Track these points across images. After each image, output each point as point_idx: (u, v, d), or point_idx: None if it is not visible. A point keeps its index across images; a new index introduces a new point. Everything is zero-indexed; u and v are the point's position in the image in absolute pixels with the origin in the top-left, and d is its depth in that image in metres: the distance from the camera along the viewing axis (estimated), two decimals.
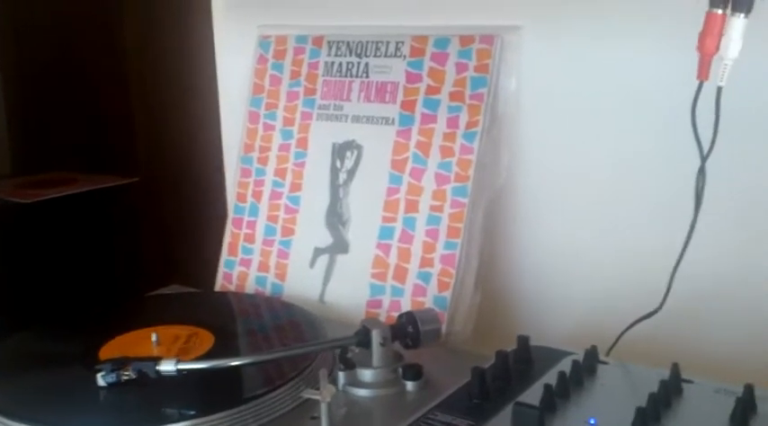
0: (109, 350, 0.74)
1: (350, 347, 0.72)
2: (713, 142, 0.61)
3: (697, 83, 0.60)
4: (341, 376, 0.69)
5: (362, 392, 0.68)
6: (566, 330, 0.80)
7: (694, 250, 0.65)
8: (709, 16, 0.59)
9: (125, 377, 0.66)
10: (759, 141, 0.70)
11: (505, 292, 0.86)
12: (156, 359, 0.66)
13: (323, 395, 0.61)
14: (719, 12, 0.59)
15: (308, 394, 0.62)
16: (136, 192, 1.77)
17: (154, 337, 0.76)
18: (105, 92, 1.85)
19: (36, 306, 1.49)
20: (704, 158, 0.61)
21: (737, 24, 0.58)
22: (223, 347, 0.75)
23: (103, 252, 1.75)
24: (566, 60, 0.80)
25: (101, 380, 0.66)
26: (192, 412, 0.63)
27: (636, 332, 0.71)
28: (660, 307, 0.68)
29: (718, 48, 0.59)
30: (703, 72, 0.59)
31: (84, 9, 1.81)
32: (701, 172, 0.61)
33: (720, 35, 0.59)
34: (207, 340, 0.77)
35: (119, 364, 0.67)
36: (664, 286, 0.69)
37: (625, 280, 0.78)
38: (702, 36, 0.59)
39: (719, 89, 0.60)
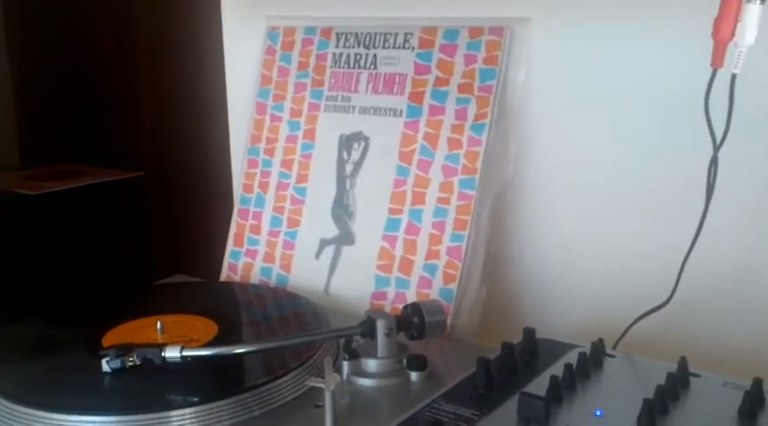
0: (113, 337, 0.74)
1: (354, 338, 0.71)
2: (726, 131, 0.60)
3: (710, 71, 0.59)
4: (345, 365, 0.69)
5: (366, 382, 0.68)
6: (572, 324, 0.79)
7: (705, 242, 0.65)
8: (724, 2, 0.58)
9: (130, 364, 0.66)
10: None
11: (512, 285, 0.86)
12: (161, 346, 0.66)
13: (327, 384, 0.60)
14: None
15: (313, 382, 0.62)
16: (142, 185, 1.77)
17: (159, 325, 0.76)
18: (114, 85, 1.85)
19: (42, 297, 1.50)
20: (717, 148, 0.60)
21: (753, 11, 0.57)
22: (227, 336, 0.75)
23: (110, 245, 1.75)
24: (575, 52, 0.80)
25: (105, 366, 0.66)
26: (196, 399, 0.63)
27: (643, 326, 0.70)
28: (668, 301, 0.68)
29: (733, 35, 0.58)
30: (717, 59, 0.58)
31: (95, 1, 1.81)
32: (714, 162, 0.61)
33: (736, 21, 0.58)
34: (211, 329, 0.76)
35: (124, 350, 0.67)
36: (672, 279, 0.68)
37: (633, 274, 0.77)
38: (717, 22, 0.58)
39: (734, 76, 0.59)
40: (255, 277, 0.96)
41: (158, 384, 0.66)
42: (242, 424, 0.62)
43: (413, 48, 0.88)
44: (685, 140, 0.64)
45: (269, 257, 0.95)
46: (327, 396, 0.60)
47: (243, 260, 0.98)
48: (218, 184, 1.20)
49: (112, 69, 1.83)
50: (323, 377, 0.61)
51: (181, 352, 0.66)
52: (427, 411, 0.58)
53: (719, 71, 0.60)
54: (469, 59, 0.83)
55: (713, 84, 0.59)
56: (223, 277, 0.99)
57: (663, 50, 0.74)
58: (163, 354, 0.66)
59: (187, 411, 0.62)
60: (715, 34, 0.58)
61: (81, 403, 0.63)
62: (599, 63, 0.79)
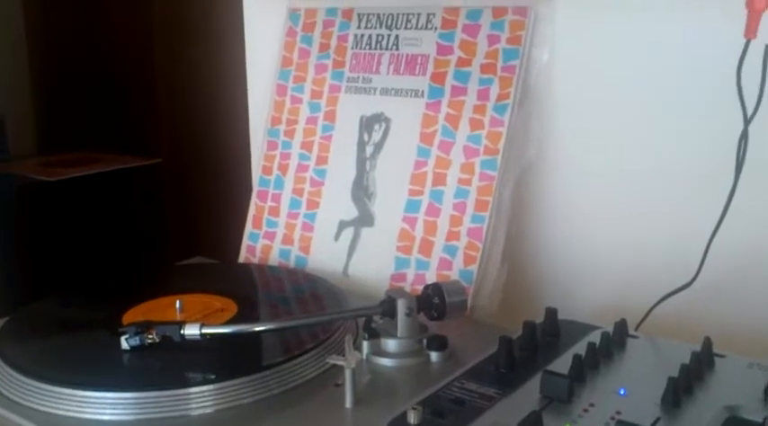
0: (132, 316, 0.74)
1: (374, 318, 0.71)
2: (758, 104, 0.59)
3: (740, 45, 0.58)
4: (365, 345, 0.68)
5: (386, 361, 0.67)
6: (593, 306, 0.78)
7: (731, 221, 0.63)
8: None
9: (149, 341, 0.66)
10: None
11: (533, 267, 0.85)
12: (181, 323, 0.66)
13: (348, 361, 0.60)
14: None
15: (333, 360, 0.62)
16: (159, 171, 1.78)
17: (178, 304, 0.76)
18: (131, 72, 1.86)
19: (61, 280, 1.51)
20: (748, 121, 0.59)
21: None
22: (246, 315, 0.75)
23: (127, 231, 1.75)
24: (600, 31, 0.79)
25: (125, 343, 0.66)
26: (215, 376, 0.62)
27: (666, 309, 0.69)
28: (693, 280, 0.67)
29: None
30: (751, 30, 0.57)
31: None
32: (744, 136, 0.60)
33: None
34: (230, 308, 0.76)
35: (143, 327, 0.67)
36: (695, 261, 0.67)
37: (656, 256, 0.76)
38: None
39: None
40: (274, 259, 0.96)
41: (177, 361, 0.65)
42: (261, 402, 0.62)
43: (435, 28, 0.87)
44: (716, 118, 0.63)
45: (288, 239, 0.95)
46: (348, 374, 0.60)
47: (261, 242, 0.97)
48: (235, 169, 1.19)
49: (129, 56, 1.83)
50: (343, 356, 0.61)
51: (200, 330, 0.66)
52: (449, 389, 0.58)
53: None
54: (493, 39, 0.82)
55: (746, 55, 0.58)
56: (242, 259, 0.99)
57: (690, 28, 0.73)
58: (182, 331, 0.66)
59: (206, 388, 0.61)
60: (749, 3, 0.57)
61: (100, 380, 0.63)
62: (624, 43, 0.77)
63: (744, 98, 0.59)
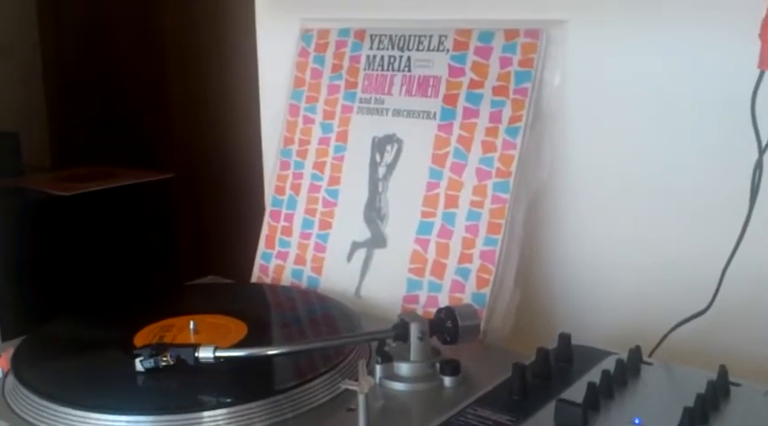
0: (145, 336, 0.74)
1: (387, 341, 0.71)
2: None
3: (756, 73, 0.58)
4: (378, 369, 0.68)
5: (399, 386, 0.67)
6: (606, 331, 0.78)
7: (746, 248, 0.63)
8: None
9: (163, 363, 0.66)
10: None
11: (546, 290, 0.85)
12: (195, 346, 0.66)
13: (361, 386, 0.60)
14: None
15: (347, 384, 0.61)
16: (173, 187, 1.78)
17: (192, 325, 0.76)
18: (144, 88, 1.87)
19: (74, 297, 1.51)
20: (762, 150, 0.59)
21: None
22: (258, 337, 0.75)
23: (141, 246, 1.76)
24: (612, 54, 0.79)
25: (139, 365, 0.66)
26: (229, 400, 0.62)
27: (681, 335, 0.69)
28: (708, 307, 0.67)
29: None
30: (765, 60, 0.57)
31: (124, 2, 1.82)
32: (759, 165, 0.59)
33: None
34: (242, 330, 0.76)
35: (157, 350, 0.67)
36: (711, 286, 0.67)
37: (671, 280, 0.76)
38: (765, 23, 0.57)
39: None
40: (287, 279, 0.96)
41: (191, 384, 0.66)
42: None
43: (447, 50, 0.87)
44: (727, 144, 0.63)
45: (300, 259, 0.95)
46: (361, 399, 0.60)
47: (274, 262, 0.98)
48: (247, 187, 1.20)
49: (143, 73, 1.85)
50: (356, 380, 0.61)
51: (214, 353, 0.66)
52: (462, 416, 0.58)
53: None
54: (505, 62, 0.83)
55: (760, 85, 0.58)
56: (254, 279, 0.99)
57: (704, 53, 0.73)
58: (196, 354, 0.66)
59: (220, 412, 0.62)
60: (762, 35, 0.57)
61: (114, 403, 0.63)
62: (637, 65, 0.77)
63: (758, 127, 0.59)
